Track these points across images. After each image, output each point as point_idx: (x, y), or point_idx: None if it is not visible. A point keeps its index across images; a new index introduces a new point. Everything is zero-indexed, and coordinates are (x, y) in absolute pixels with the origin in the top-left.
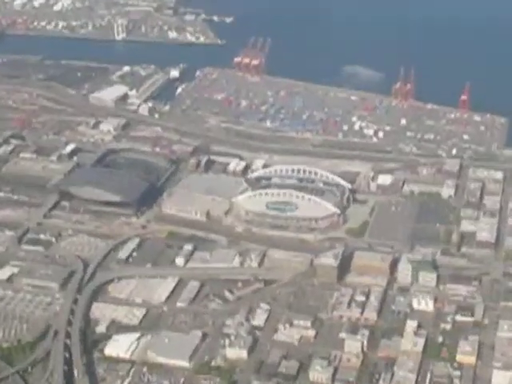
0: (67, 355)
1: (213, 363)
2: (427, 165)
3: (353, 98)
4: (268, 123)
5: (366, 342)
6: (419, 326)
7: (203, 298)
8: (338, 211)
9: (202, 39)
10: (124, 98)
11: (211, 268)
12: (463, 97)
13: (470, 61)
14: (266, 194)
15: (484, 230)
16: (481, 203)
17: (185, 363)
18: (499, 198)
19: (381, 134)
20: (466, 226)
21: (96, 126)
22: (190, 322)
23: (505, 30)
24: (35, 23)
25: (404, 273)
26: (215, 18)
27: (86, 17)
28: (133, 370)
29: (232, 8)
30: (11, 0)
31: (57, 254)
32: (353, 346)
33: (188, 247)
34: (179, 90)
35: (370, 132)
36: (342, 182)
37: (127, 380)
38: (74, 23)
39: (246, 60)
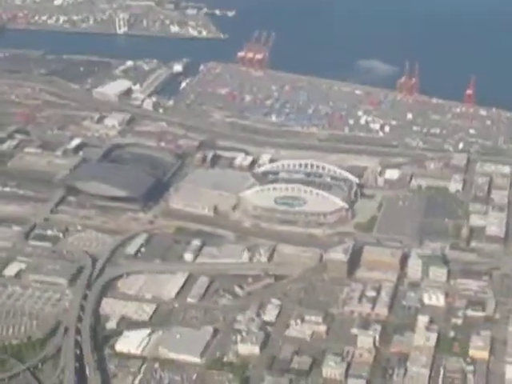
0: (78, 352)
1: (225, 359)
2: (434, 159)
3: (357, 92)
4: (273, 118)
5: (378, 338)
6: (431, 321)
7: (213, 293)
8: (347, 206)
9: (204, 33)
10: (128, 92)
11: (220, 263)
12: (469, 91)
13: (474, 54)
14: (275, 188)
15: (493, 224)
16: (489, 198)
17: (197, 359)
18: (507, 193)
19: (387, 129)
20: (475, 220)
21: (100, 120)
22: (201, 317)
23: (509, 23)
24: (36, 17)
25: (414, 268)
26: (217, 12)
27: (87, 11)
28: (144, 366)
29: (234, 2)
30: None
31: (64, 249)
32: (365, 341)
33: (196, 242)
34: (183, 84)
35: (376, 126)
36: (350, 177)
37: (139, 376)
38: (75, 17)
39: (250, 54)
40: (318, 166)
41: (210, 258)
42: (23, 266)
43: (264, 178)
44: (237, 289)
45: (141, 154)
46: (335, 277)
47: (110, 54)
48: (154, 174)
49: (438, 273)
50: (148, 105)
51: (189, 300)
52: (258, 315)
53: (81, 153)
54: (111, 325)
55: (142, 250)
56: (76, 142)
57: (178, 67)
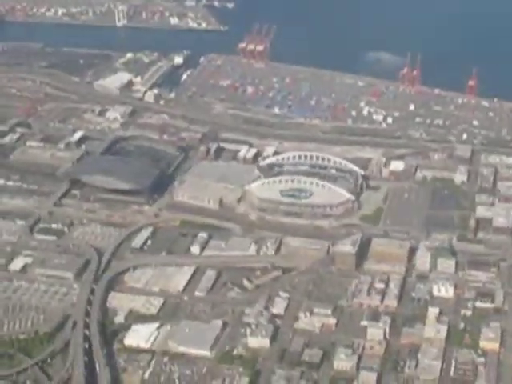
0: (87, 346)
1: (234, 352)
2: (438, 150)
3: (360, 83)
4: (276, 109)
5: (388, 330)
6: (440, 313)
7: (221, 286)
8: (353, 197)
9: (203, 25)
10: (128, 85)
11: (227, 256)
12: (471, 82)
13: (476, 46)
14: (280, 181)
15: (500, 215)
16: (494, 189)
17: (206, 352)
18: None
19: (390, 120)
20: (482, 211)
21: (102, 113)
22: (209, 311)
23: (511, 15)
24: (34, 10)
25: (422, 259)
26: (216, 4)
27: (85, 3)
28: (154, 360)
29: None
30: None
31: (70, 243)
32: (375, 333)
33: (203, 235)
34: (184, 76)
35: (379, 118)
36: (355, 168)
37: (149, 370)
38: (73, 10)
39: (251, 46)
40: (323, 158)
41: (217, 251)
42: (29, 260)
43: (269, 171)
44: (245, 282)
45: (144, 146)
46: (343, 269)
47: (109, 47)
48: (158, 166)
49: (447, 264)
50: (149, 97)
51: (197, 293)
52: (267, 308)
53: (83, 146)
54: (119, 319)
55: (148, 243)
56: (78, 134)
57: (178, 59)
